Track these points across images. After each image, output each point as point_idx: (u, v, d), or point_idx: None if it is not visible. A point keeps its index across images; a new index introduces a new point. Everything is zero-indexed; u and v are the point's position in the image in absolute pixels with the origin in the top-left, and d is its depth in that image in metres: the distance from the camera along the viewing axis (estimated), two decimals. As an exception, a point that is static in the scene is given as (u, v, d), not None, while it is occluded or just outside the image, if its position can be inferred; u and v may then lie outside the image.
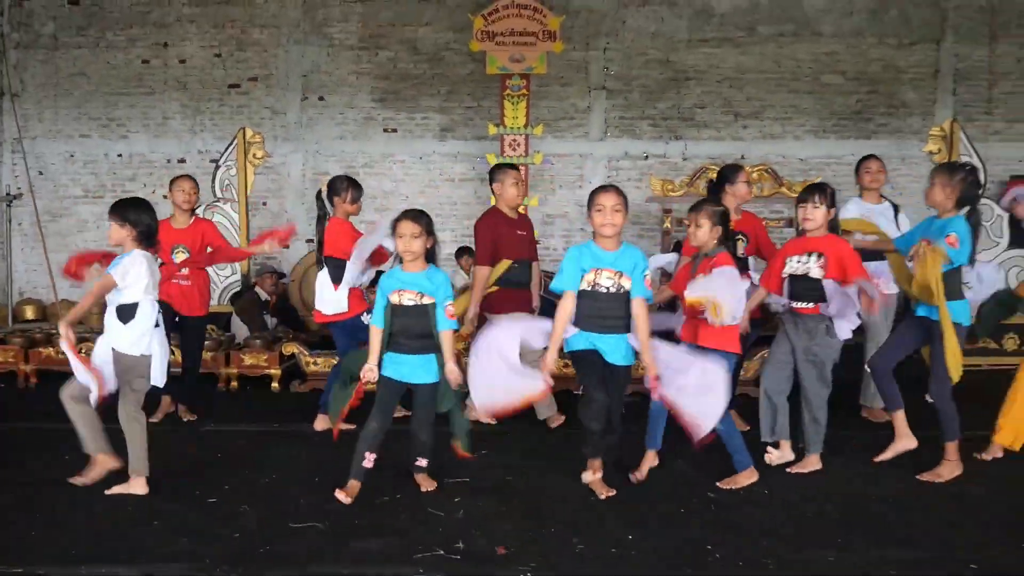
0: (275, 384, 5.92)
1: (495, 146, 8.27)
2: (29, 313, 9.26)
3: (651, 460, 3.86)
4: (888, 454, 4.02)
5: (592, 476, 3.65)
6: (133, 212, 3.79)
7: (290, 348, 6.04)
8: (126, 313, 3.62)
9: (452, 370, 3.57)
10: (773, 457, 3.99)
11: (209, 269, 5.68)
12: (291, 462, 4.15)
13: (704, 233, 3.72)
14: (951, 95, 9.22)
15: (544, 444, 4.50)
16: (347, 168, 9.55)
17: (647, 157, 9.37)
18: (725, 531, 3.24)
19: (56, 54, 9.71)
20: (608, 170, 9.43)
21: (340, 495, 3.49)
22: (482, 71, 8.43)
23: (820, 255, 3.81)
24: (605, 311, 3.52)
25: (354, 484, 3.54)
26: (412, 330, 3.56)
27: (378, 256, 4.65)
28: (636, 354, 3.59)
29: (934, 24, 9.18)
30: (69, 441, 3.78)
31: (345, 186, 4.84)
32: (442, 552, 3.04)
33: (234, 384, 5.96)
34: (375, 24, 9.44)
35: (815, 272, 3.83)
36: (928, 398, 4.02)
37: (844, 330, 3.87)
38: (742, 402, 4.85)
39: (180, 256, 4.96)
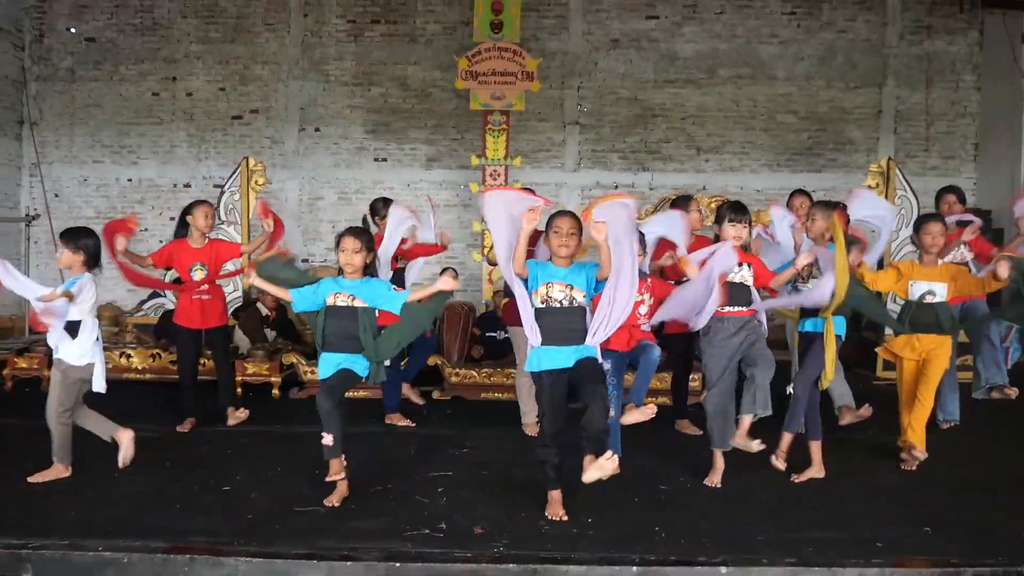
0: (275, 391, 6.24)
1: (477, 175, 8.64)
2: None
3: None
4: (802, 478, 4.16)
5: (552, 509, 3.61)
6: (83, 238, 4.11)
7: (289, 358, 6.38)
8: (73, 329, 3.97)
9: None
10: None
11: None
12: (293, 458, 4.47)
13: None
14: (892, 134, 9.75)
15: (515, 443, 4.83)
16: (340, 194, 9.95)
17: (617, 187, 9.78)
18: (672, 515, 3.62)
19: (73, 86, 10.03)
20: (581, 198, 9.81)
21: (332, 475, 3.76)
22: (466, 106, 8.79)
23: (750, 265, 4.10)
24: (563, 324, 3.56)
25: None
26: (342, 331, 3.77)
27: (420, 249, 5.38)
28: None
29: (877, 70, 9.72)
30: (92, 439, 4.13)
31: (382, 206, 5.23)
32: (428, 531, 3.40)
33: (238, 391, 6.27)
34: (368, 62, 9.84)
35: (748, 280, 4.05)
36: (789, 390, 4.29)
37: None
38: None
39: (199, 274, 5.18)
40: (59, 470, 4.02)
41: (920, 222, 4.53)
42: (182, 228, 5.37)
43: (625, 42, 9.78)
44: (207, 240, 5.34)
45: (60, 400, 3.99)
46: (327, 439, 3.67)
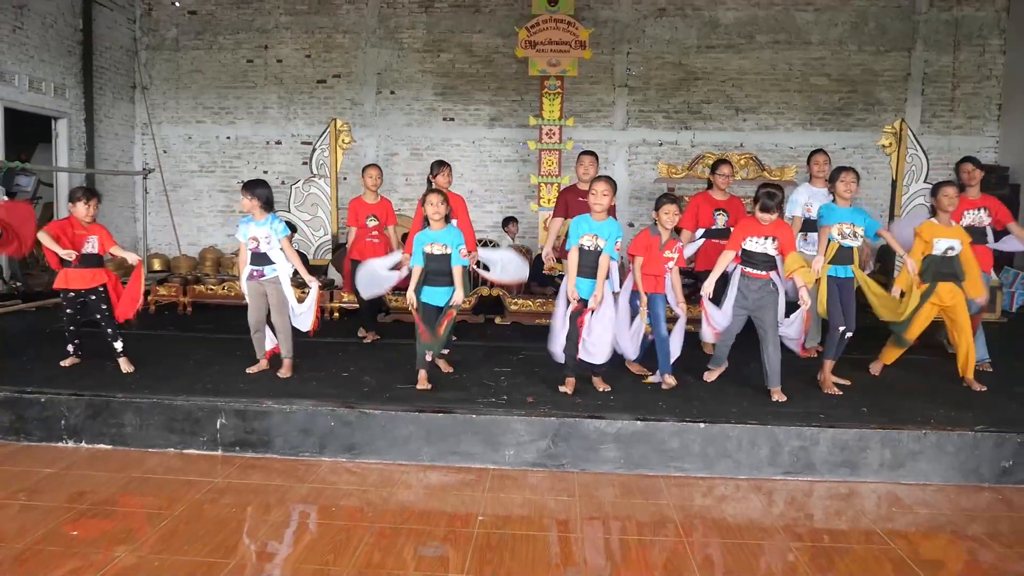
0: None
1: (535, 134, 9.84)
2: (156, 265, 11.00)
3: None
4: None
5: (566, 387, 5.01)
6: (258, 188, 5.31)
7: (378, 289, 7.83)
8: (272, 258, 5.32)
9: (459, 294, 5.15)
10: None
11: (308, 230, 7.59)
12: (388, 360, 5.92)
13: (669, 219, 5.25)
14: (920, 95, 10.64)
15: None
16: (412, 150, 11.31)
17: (661, 144, 10.95)
18: (672, 397, 4.96)
19: (177, 55, 11.55)
20: (629, 154, 11.02)
21: (420, 383, 5.13)
22: (525, 72, 9.99)
23: (775, 239, 5.06)
24: (588, 263, 4.92)
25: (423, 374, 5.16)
26: (438, 270, 5.12)
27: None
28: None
29: (906, 34, 10.58)
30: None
31: (437, 166, 6.34)
32: (494, 399, 4.82)
33: (336, 315, 7.79)
34: (437, 31, 11.11)
35: (771, 250, 5.03)
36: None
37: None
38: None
39: (372, 223, 6.61)
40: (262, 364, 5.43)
41: (938, 186, 5.39)
42: None
43: (671, 10, 10.81)
44: (379, 197, 6.72)
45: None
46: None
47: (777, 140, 10.74)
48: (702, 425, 4.44)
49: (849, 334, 5.27)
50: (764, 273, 5.02)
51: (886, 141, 8.21)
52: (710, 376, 5.44)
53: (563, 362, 5.06)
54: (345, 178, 11.26)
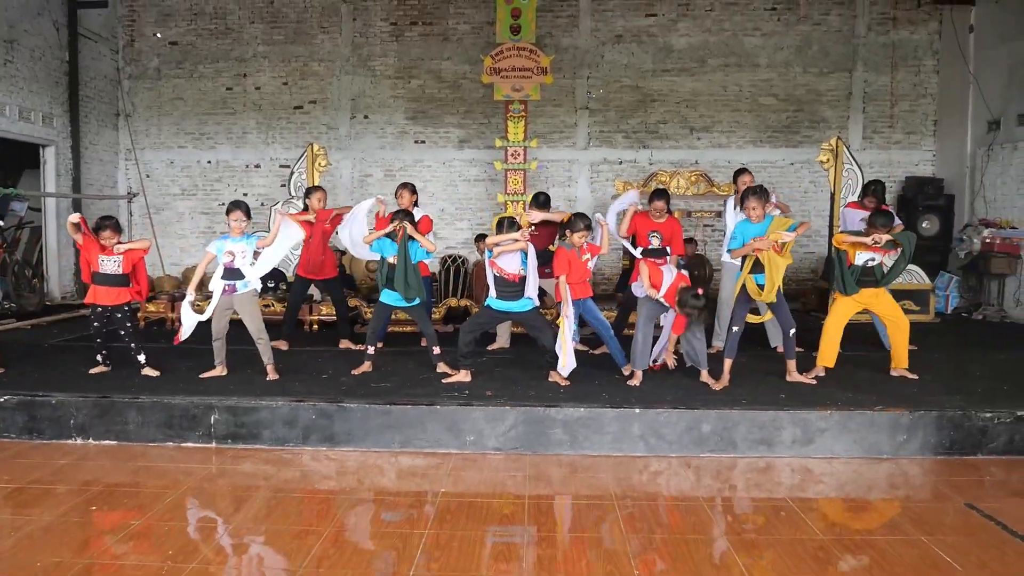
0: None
1: (501, 154, 10.50)
2: (141, 285, 11.77)
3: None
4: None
5: (556, 375, 5.91)
6: (245, 206, 6.06)
7: (353, 302, 8.51)
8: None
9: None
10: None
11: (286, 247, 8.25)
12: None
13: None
14: (861, 113, 11.47)
15: (515, 355, 6.89)
16: (386, 171, 11.98)
17: (621, 162, 11.70)
18: (616, 388, 5.66)
19: (159, 83, 12.17)
20: (591, 172, 11.75)
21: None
22: (491, 97, 10.49)
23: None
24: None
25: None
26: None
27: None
28: None
29: (847, 57, 11.43)
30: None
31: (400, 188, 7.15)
32: (456, 393, 5.50)
33: (315, 327, 8.44)
34: (408, 59, 11.81)
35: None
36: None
37: None
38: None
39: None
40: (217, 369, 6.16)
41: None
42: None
43: (628, 37, 11.60)
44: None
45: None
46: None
47: (730, 157, 11.51)
48: (638, 410, 5.14)
49: (793, 331, 5.93)
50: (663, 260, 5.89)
51: (824, 157, 8.90)
52: (718, 384, 5.86)
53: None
54: (344, 207, 11.95)
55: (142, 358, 6.11)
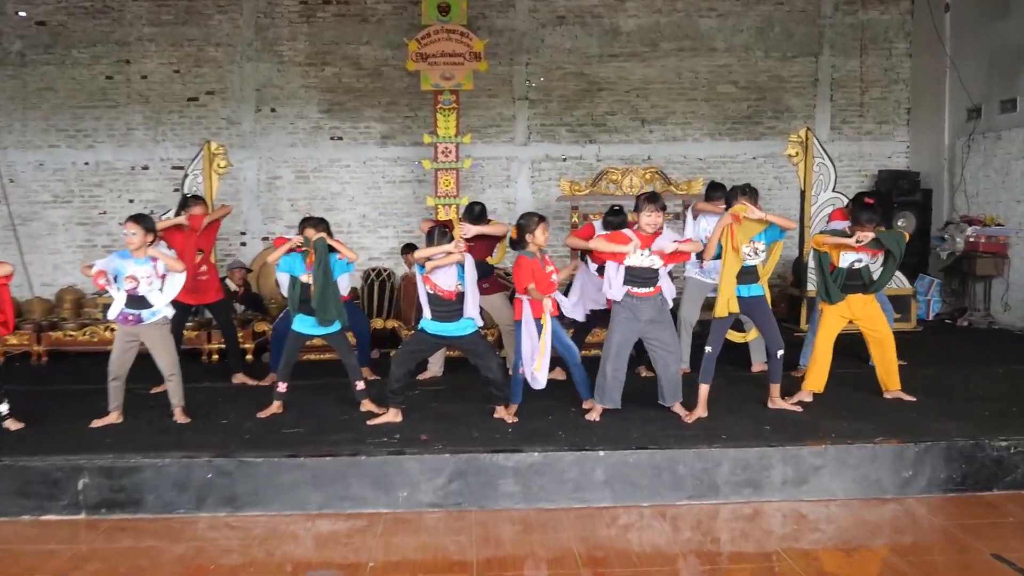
0: (250, 355, 7.80)
1: (430, 152, 10.08)
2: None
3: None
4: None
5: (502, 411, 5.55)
6: (150, 220, 5.63)
7: (261, 326, 7.95)
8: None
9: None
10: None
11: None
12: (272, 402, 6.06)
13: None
14: (828, 101, 11.46)
15: (451, 385, 6.47)
16: (298, 173, 11.44)
17: (566, 159, 11.42)
18: (573, 427, 5.28)
19: (24, 70, 11.36)
20: (532, 171, 11.43)
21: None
22: (418, 85, 10.15)
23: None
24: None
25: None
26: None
27: None
28: None
29: (812, 39, 11.39)
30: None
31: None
32: (386, 439, 5.03)
33: (215, 357, 7.85)
34: (321, 43, 11.32)
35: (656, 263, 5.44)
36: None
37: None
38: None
39: (198, 258, 6.71)
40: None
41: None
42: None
43: (570, 18, 11.34)
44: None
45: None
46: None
47: (685, 151, 11.35)
48: (601, 453, 4.76)
49: (782, 352, 5.62)
50: (651, 290, 5.39)
51: (792, 150, 8.81)
52: (691, 415, 5.54)
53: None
54: (223, 205, 11.30)
55: (4, 408, 5.48)
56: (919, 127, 11.36)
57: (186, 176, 8.90)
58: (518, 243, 5.52)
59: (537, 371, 5.36)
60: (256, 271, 10.07)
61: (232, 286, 9.09)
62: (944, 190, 10.70)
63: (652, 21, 11.32)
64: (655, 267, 5.37)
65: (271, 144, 11.40)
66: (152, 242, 5.49)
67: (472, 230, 6.11)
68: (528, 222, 5.49)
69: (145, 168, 11.41)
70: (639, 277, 5.37)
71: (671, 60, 11.35)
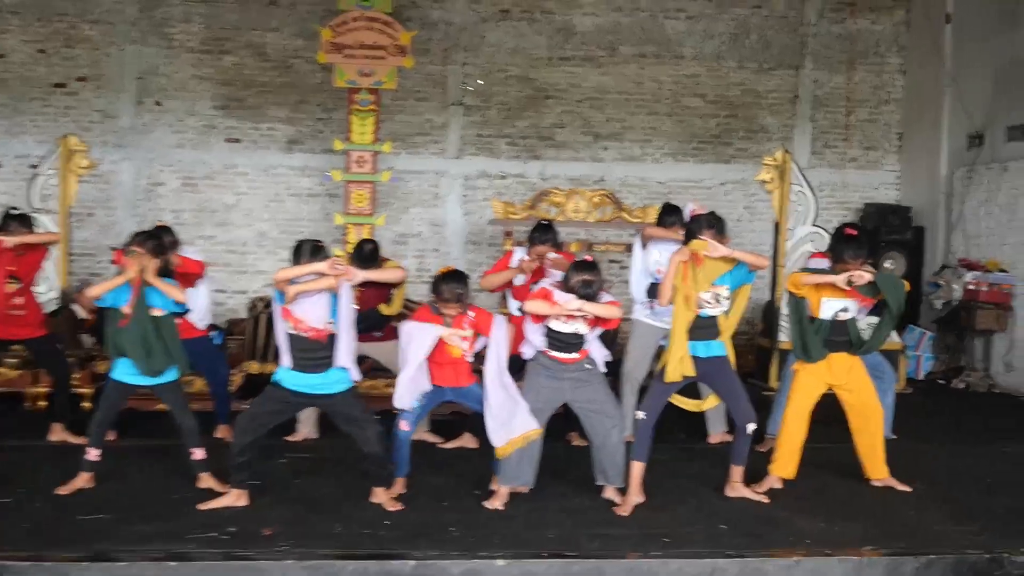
0: (86, 404, 6.75)
1: (342, 160, 9.27)
2: None
3: None
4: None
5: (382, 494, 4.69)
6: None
7: (105, 366, 6.92)
8: None
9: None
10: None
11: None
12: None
13: None
14: (809, 121, 11.00)
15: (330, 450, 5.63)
16: (184, 179, 10.54)
17: (505, 176, 10.75)
18: (470, 518, 4.41)
19: None
20: (465, 189, 10.76)
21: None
22: (331, 82, 9.44)
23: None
24: None
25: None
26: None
27: None
28: None
29: (793, 50, 10.93)
30: None
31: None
32: (215, 534, 4.10)
33: (42, 403, 6.80)
34: (219, 27, 10.53)
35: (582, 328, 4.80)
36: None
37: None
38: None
39: (12, 287, 5.95)
40: None
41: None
42: None
43: (516, 13, 10.74)
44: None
45: None
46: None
47: (644, 173, 10.81)
48: (501, 563, 3.89)
49: (752, 426, 4.94)
50: (575, 356, 4.79)
51: (767, 175, 8.28)
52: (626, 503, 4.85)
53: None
54: (92, 214, 10.37)
55: None
56: (912, 154, 10.98)
57: (36, 176, 8.05)
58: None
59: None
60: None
61: (81, 313, 8.06)
62: (939, 228, 10.32)
63: (611, 21, 10.78)
64: (580, 332, 4.74)
65: (153, 144, 10.56)
66: None
67: (361, 275, 5.28)
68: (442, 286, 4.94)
69: (-2, 165, 10.45)
70: (561, 342, 4.76)
71: (631, 67, 10.82)
